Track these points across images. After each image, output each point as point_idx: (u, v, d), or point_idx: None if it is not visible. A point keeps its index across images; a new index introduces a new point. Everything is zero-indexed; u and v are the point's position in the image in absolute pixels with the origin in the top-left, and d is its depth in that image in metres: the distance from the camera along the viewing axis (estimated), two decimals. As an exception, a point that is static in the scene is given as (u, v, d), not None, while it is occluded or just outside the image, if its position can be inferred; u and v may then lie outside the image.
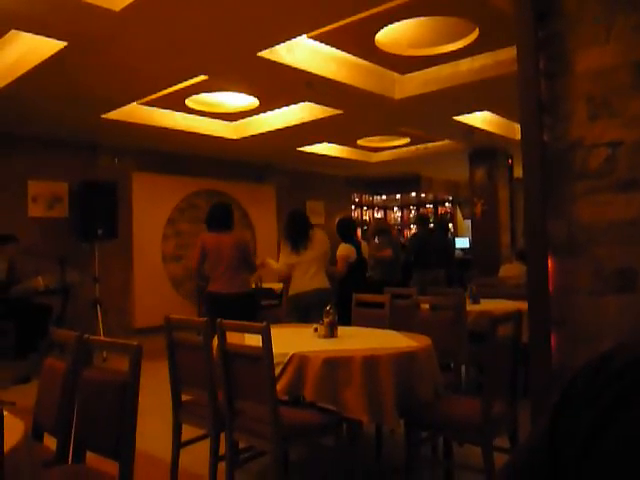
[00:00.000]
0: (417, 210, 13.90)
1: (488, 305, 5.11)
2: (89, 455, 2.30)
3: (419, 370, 2.93)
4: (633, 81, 1.92)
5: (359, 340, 3.36)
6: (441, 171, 12.19)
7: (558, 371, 2.03)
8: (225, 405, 2.83)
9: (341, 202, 12.45)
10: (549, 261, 2.06)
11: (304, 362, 2.81)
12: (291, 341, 3.28)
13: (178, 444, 3.15)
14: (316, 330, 3.47)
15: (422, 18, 4.75)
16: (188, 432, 3.17)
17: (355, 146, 9.61)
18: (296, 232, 5.06)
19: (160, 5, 3.91)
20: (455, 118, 7.33)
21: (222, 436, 2.93)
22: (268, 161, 10.22)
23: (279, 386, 2.75)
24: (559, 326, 2.05)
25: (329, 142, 9.31)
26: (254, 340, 2.70)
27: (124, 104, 6.52)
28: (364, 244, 6.88)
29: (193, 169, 9.36)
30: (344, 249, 6.08)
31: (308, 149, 9.22)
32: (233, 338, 2.92)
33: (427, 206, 13.95)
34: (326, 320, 3.38)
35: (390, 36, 5.09)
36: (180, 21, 4.19)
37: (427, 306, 4.33)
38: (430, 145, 9.54)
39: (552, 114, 2.10)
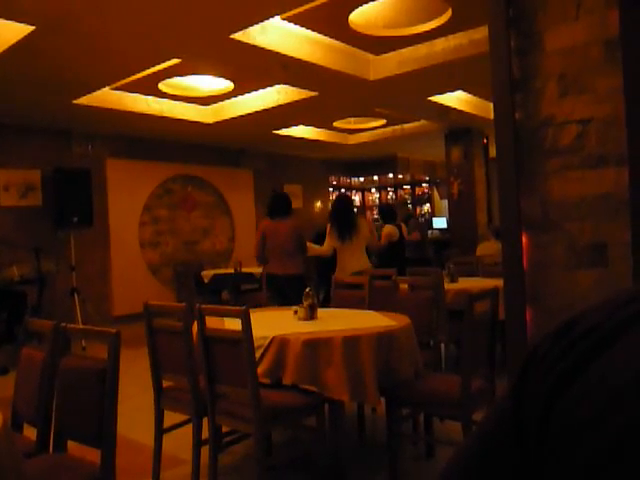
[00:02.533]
0: (395, 192, 13.94)
1: (466, 283, 5.18)
2: (70, 444, 2.29)
3: (399, 349, 2.96)
4: (602, 58, 1.94)
5: (339, 321, 3.39)
6: (418, 152, 12.23)
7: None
8: (206, 390, 2.84)
9: (319, 185, 12.44)
10: (523, 237, 2.09)
11: (284, 344, 2.82)
12: (271, 324, 3.29)
13: (160, 430, 3.15)
14: (296, 312, 3.48)
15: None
16: (170, 418, 3.18)
17: (331, 128, 9.58)
18: (344, 223, 5.57)
19: (129, -13, 3.83)
20: (430, 98, 7.34)
21: (204, 421, 2.94)
22: (244, 145, 10.15)
23: (260, 369, 2.77)
24: (534, 301, 2.08)
25: (305, 124, 9.27)
26: (234, 324, 2.70)
27: (96, 89, 6.41)
28: (404, 226, 7.82)
29: (169, 154, 9.26)
30: (388, 229, 7.29)
31: (284, 132, 9.17)
32: (213, 322, 2.92)
33: (404, 187, 14.00)
34: (306, 302, 3.39)
35: (364, 16, 5.06)
36: (151, 3, 4.12)
37: (406, 286, 4.37)
38: (406, 126, 9.56)
39: (524, 92, 2.11)
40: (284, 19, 4.99)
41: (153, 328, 3.13)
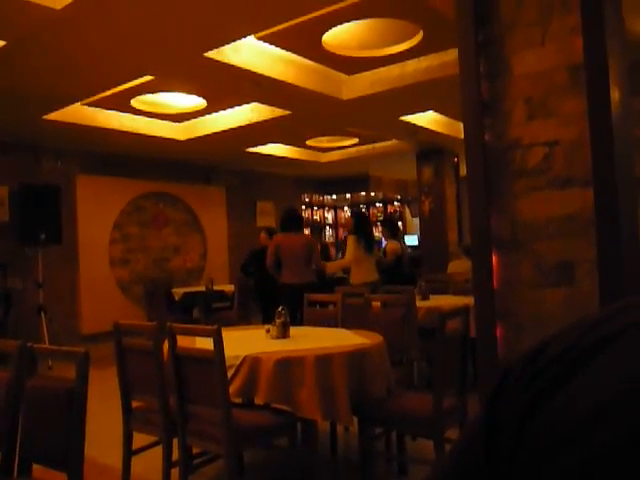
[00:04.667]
0: (367, 209, 14.04)
1: (437, 301, 5.22)
2: (35, 467, 2.23)
3: (371, 367, 2.97)
4: (567, 82, 2.00)
5: (311, 340, 3.38)
6: (390, 170, 12.35)
7: (504, 362, 2.09)
8: (177, 410, 2.80)
9: (291, 202, 12.46)
10: (493, 256, 2.13)
11: (256, 363, 2.80)
12: (243, 343, 3.27)
13: (129, 452, 3.09)
14: (268, 331, 3.47)
15: (368, 20, 4.81)
16: (139, 439, 3.12)
17: (304, 146, 9.64)
18: (370, 237, 6.51)
19: (102, 4, 3.82)
20: (402, 118, 7.45)
21: (175, 442, 2.89)
22: (217, 162, 10.13)
23: (232, 388, 2.74)
24: (504, 318, 2.12)
25: (278, 142, 9.31)
26: (206, 343, 2.68)
27: (67, 104, 6.34)
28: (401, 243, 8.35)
29: (140, 171, 9.18)
30: (394, 244, 7.76)
31: (257, 149, 9.18)
32: (184, 341, 2.89)
33: (377, 205, 14.11)
34: (278, 321, 3.38)
35: (337, 37, 5.13)
36: (124, 20, 4.11)
37: (378, 304, 4.40)
38: (378, 145, 9.66)
39: (492, 114, 2.17)
40: (258, 38, 5.04)
41: (123, 347, 3.08)
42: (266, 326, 3.55)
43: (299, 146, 9.67)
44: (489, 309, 2.12)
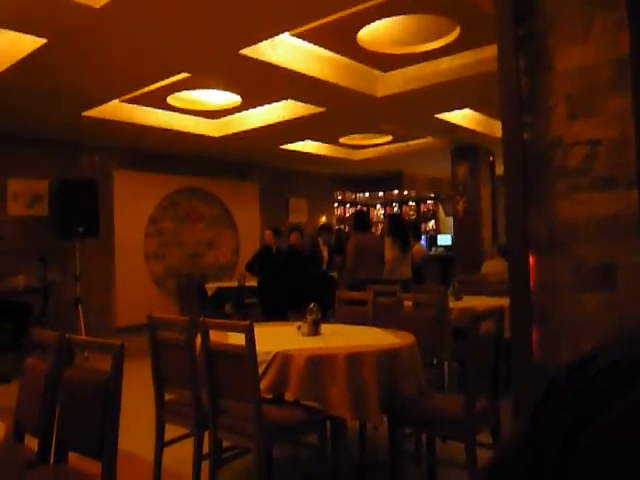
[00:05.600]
0: (400, 207, 13.94)
1: (470, 302, 5.15)
2: (71, 455, 2.28)
3: (402, 367, 2.94)
4: (612, 80, 1.94)
5: (343, 338, 3.37)
6: (423, 168, 12.24)
7: (539, 367, 2.05)
8: (208, 404, 2.82)
9: (324, 200, 12.46)
10: (530, 258, 2.08)
11: (287, 360, 2.80)
12: (274, 339, 3.28)
13: (161, 443, 3.13)
14: (299, 328, 3.47)
15: (404, 16, 4.77)
16: (171, 431, 3.16)
17: (338, 144, 9.61)
18: (407, 237, 6.93)
19: (140, 2, 3.87)
20: (437, 116, 7.37)
21: (205, 435, 2.92)
22: (250, 159, 10.19)
23: (263, 384, 2.75)
24: (540, 323, 2.07)
25: (312, 140, 9.30)
26: (238, 338, 2.69)
27: (105, 101, 6.46)
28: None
29: (175, 167, 9.30)
30: (419, 246, 8.61)
31: (291, 147, 9.20)
32: (216, 336, 2.91)
33: (410, 203, 14.00)
34: (309, 318, 3.37)
35: (372, 34, 5.10)
36: (161, 18, 4.16)
37: (410, 303, 4.36)
38: (412, 142, 9.58)
39: (532, 112, 2.12)
40: (293, 35, 5.03)
41: (156, 341, 3.12)
42: (298, 323, 3.55)
43: (333, 143, 9.65)
44: (525, 312, 2.08)
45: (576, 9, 2.01)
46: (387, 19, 4.79)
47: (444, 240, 12.43)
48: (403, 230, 6.95)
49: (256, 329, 2.65)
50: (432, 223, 13.80)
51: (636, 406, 0.34)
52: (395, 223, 7.13)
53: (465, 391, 2.86)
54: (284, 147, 9.12)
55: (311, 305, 3.41)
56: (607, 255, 1.90)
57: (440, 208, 13.77)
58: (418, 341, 3.22)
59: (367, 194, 14.02)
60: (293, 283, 7.60)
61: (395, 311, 4.22)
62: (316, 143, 9.55)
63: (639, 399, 0.34)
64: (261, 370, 2.77)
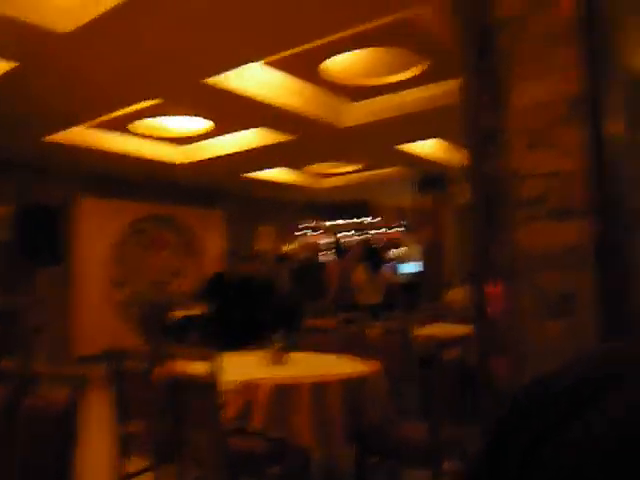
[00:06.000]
0: (368, 235, 14.02)
1: (435, 329, 5.19)
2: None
3: (368, 395, 2.94)
4: (567, 114, 2.02)
5: (308, 366, 3.36)
6: (391, 197, 12.39)
7: (504, 393, 2.07)
8: (171, 435, 2.76)
9: (292, 227, 12.47)
10: (493, 286, 2.12)
11: (253, 389, 2.77)
12: (240, 368, 3.24)
13: (122, 477, 3.04)
14: (265, 357, 3.44)
15: (372, 48, 4.87)
16: (132, 464, 3.07)
17: (306, 171, 9.67)
18: (377, 263, 7.29)
19: (109, 29, 3.88)
20: (401, 147, 7.50)
21: (168, 467, 2.84)
22: (218, 186, 10.16)
23: (227, 414, 2.71)
24: (504, 349, 2.10)
25: (280, 167, 9.34)
26: (201, 367, 2.65)
27: (71, 126, 6.39)
28: None
29: (141, 193, 9.20)
30: (389, 273, 9.00)
31: (259, 174, 9.22)
32: (180, 366, 2.86)
33: (377, 231, 14.09)
34: (274, 346, 3.35)
35: (339, 64, 5.19)
36: (129, 45, 4.17)
37: (376, 331, 4.37)
38: (379, 171, 9.70)
39: (493, 144, 2.18)
40: (260, 64, 5.09)
41: (117, 371, 3.05)
42: (263, 352, 3.52)
43: (301, 171, 9.70)
44: (489, 339, 2.10)
45: (533, 46, 2.09)
46: (354, 51, 4.89)
47: (411, 267, 12.52)
48: (374, 256, 7.10)
49: (221, 358, 2.62)
50: (400, 250, 13.90)
51: (592, 427, 0.35)
52: (366, 250, 7.31)
53: (430, 419, 2.87)
54: (252, 175, 9.14)
55: (276, 334, 3.39)
56: (565, 283, 1.95)
57: (406, 236, 13.91)
58: (384, 368, 3.22)
59: (336, 221, 14.06)
60: (247, 312, 7.14)
61: (361, 338, 4.23)
62: (285, 170, 9.59)
63: (596, 420, 0.36)
64: (225, 400, 2.73)
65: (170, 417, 2.73)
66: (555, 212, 2.01)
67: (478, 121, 2.20)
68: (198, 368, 2.78)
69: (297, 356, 3.63)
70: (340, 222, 14.00)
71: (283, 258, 8.98)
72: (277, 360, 3.34)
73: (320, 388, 2.75)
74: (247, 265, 7.97)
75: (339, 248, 7.16)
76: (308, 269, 8.67)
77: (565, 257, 1.95)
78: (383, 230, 13.54)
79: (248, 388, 2.78)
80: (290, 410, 2.71)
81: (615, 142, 1.93)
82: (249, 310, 7.14)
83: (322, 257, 12.14)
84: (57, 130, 6.42)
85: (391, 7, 3.85)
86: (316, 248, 12.50)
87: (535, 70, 2.10)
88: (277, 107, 5.53)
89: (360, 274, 6.99)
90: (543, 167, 2.06)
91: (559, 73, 2.04)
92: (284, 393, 2.74)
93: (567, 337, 1.90)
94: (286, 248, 12.05)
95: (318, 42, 4.44)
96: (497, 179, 2.16)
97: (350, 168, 9.47)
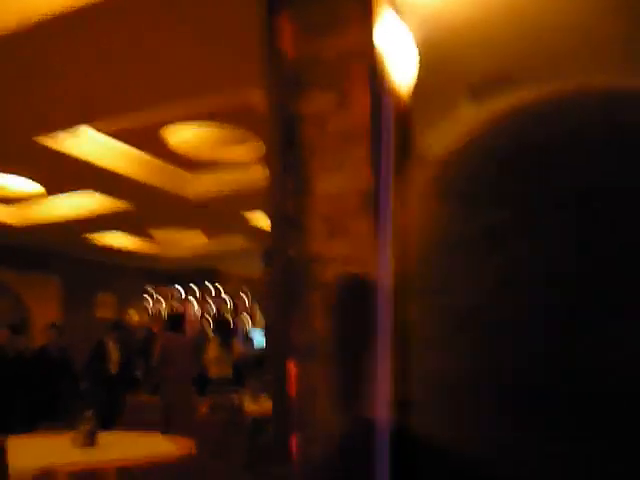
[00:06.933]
0: (216, 303, 13.83)
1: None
2: None
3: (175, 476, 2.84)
4: (358, 205, 2.21)
5: (120, 448, 3.17)
6: (238, 267, 12.40)
7: (299, 466, 2.11)
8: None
9: (135, 294, 11.97)
10: (292, 366, 2.19)
11: (50, 477, 2.56)
12: (42, 452, 2.99)
13: None
14: (75, 439, 3.20)
15: (212, 123, 4.96)
16: None
17: (149, 238, 9.42)
18: (229, 336, 7.31)
19: None
20: (246, 216, 7.62)
21: None
22: (54, 249, 9.54)
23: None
24: (300, 428, 2.16)
25: (121, 232, 9.03)
26: None
27: None
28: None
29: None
30: (239, 345, 8.80)
31: (99, 239, 8.83)
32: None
33: (226, 299, 13.96)
34: (84, 427, 3.14)
35: (180, 135, 5.21)
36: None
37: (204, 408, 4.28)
38: (226, 241, 9.71)
39: (297, 230, 2.31)
40: (97, 130, 5.00)
41: None
42: (73, 433, 3.28)
43: (144, 237, 9.43)
44: (286, 418, 2.16)
45: (329, 143, 2.29)
46: (193, 123, 4.96)
47: (259, 338, 12.39)
48: (226, 329, 7.18)
49: (24, 440, 2.42)
50: (248, 319, 13.82)
51: None
52: (218, 322, 7.44)
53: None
54: (91, 239, 8.73)
55: (87, 413, 3.19)
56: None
57: (256, 306, 13.91)
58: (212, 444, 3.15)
59: (182, 289, 13.73)
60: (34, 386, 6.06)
61: (188, 415, 4.11)
62: (127, 236, 9.28)
63: None
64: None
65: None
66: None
67: (283, 207, 2.33)
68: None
69: (111, 437, 3.42)
70: (183, 289, 13.69)
71: (114, 328, 8.08)
72: (87, 442, 3.12)
73: (127, 470, 2.62)
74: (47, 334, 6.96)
75: (175, 318, 6.81)
76: (142, 340, 8.29)
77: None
78: (229, 299, 13.44)
79: (45, 476, 2.57)
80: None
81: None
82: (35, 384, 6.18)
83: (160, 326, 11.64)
84: None
85: (224, 86, 4.00)
86: (158, 318, 12.03)
87: (332, 164, 2.29)
88: (114, 173, 5.41)
89: (212, 349, 6.89)
90: (339, 252, 2.21)
91: (352, 168, 2.24)
92: (87, 477, 2.57)
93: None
94: (133, 316, 11.51)
95: (155, 112, 4.47)
96: (300, 262, 2.28)
97: (197, 236, 9.39)
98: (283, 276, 2.25)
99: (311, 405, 2.16)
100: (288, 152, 2.38)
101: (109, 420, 4.06)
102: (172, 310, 9.62)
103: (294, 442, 2.15)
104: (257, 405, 5.04)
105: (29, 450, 2.95)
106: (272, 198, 2.36)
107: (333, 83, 2.31)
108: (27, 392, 6.04)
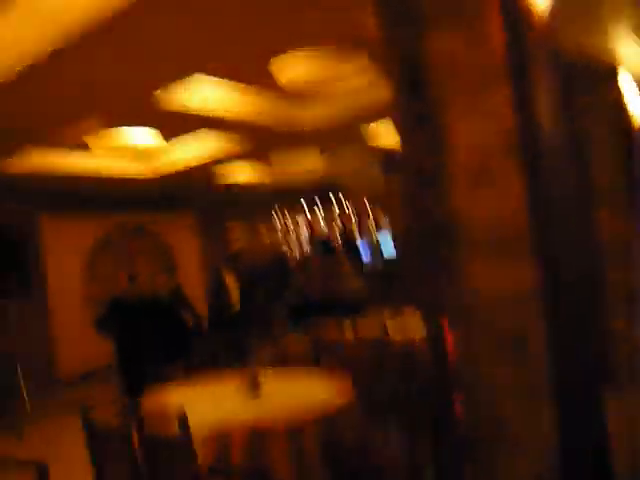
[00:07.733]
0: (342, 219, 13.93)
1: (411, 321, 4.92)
2: None
3: (343, 426, 2.95)
4: (506, 152, 2.00)
5: (283, 398, 3.29)
6: (357, 180, 12.27)
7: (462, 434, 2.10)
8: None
9: (264, 218, 12.38)
10: (447, 328, 2.13)
11: (227, 435, 2.78)
12: (212, 405, 3.24)
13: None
14: (239, 388, 3.36)
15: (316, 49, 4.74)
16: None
17: (269, 164, 9.50)
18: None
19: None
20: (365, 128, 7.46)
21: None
22: (185, 190, 9.99)
23: (202, 460, 2.69)
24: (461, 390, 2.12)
25: (242, 162, 9.18)
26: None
27: (24, 147, 6.21)
28: None
29: (106, 206, 9.02)
30: None
31: (224, 173, 9.08)
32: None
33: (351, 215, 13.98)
34: (249, 379, 3.31)
35: (291, 69, 5.04)
36: (76, 62, 4.10)
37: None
38: (343, 155, 9.57)
39: (435, 185, 2.16)
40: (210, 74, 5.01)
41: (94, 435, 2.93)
42: (237, 381, 3.44)
43: (265, 163, 9.53)
44: (448, 381, 2.12)
45: (468, 82, 2.06)
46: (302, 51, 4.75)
47: (388, 251, 11.84)
48: (353, 246, 7.18)
49: (194, 388, 2.59)
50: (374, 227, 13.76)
51: None
52: (346, 240, 7.44)
53: (406, 440, 2.90)
54: (216, 174, 9.00)
55: (250, 365, 3.34)
56: (516, 324, 1.95)
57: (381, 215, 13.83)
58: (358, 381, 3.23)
59: (307, 208, 13.90)
60: (156, 340, 5.74)
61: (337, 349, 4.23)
62: (248, 165, 9.43)
63: None
64: (199, 444, 2.69)
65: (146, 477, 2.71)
66: (502, 252, 2.00)
67: (419, 161, 2.17)
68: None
69: (272, 385, 3.51)
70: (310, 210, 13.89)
71: (230, 259, 8.15)
72: (251, 394, 3.27)
73: (296, 430, 2.77)
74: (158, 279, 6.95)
75: (322, 242, 6.69)
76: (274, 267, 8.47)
77: (512, 298, 1.96)
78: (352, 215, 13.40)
79: (222, 434, 2.78)
80: (267, 453, 2.74)
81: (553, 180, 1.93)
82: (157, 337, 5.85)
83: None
84: (12, 153, 6.24)
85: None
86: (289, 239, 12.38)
87: (473, 107, 2.07)
88: (229, 111, 5.57)
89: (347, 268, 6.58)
90: (486, 207, 2.04)
91: (497, 110, 2.02)
92: (260, 438, 2.75)
93: (518, 382, 1.92)
94: (264, 239, 11.92)
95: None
96: (442, 219, 2.15)
97: (314, 155, 9.33)
98: (427, 235, 2.14)
99: (470, 367, 2.09)
100: (416, 96, 2.19)
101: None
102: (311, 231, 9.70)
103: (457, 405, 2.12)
104: (399, 327, 4.85)
105: (203, 401, 3.17)
106: (405, 151, 2.21)
107: (462, 17, 2.06)
108: (164, 335, 5.84)
